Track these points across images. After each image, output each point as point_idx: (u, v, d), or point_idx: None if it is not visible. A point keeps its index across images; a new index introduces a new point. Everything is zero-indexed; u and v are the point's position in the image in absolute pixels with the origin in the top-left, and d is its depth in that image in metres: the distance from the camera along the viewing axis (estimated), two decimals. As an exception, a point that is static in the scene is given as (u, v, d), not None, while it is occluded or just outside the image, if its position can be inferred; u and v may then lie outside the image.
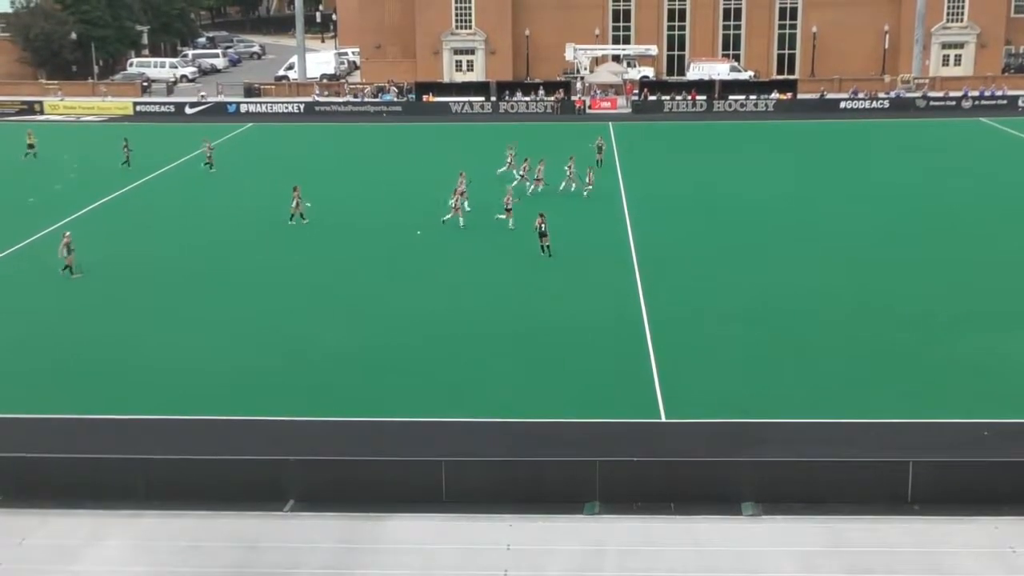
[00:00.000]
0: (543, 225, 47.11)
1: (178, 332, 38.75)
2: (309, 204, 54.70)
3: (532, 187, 58.97)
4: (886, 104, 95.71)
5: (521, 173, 61.16)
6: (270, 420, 31.21)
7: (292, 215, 53.77)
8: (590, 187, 59.44)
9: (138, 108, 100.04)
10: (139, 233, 53.15)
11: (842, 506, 25.58)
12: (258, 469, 27.15)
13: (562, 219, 52.31)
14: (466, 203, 53.02)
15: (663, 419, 31.14)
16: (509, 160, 64.60)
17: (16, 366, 35.90)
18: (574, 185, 59.61)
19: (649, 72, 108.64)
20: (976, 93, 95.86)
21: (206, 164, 69.32)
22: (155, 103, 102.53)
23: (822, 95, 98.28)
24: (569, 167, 60.13)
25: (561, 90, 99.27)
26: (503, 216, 51.12)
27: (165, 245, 50.65)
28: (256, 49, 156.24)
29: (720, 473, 26.85)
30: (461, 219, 52.05)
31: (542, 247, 47.20)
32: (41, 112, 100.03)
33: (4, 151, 77.92)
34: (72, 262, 45.11)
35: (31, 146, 74.04)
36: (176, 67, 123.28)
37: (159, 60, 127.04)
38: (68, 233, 46.18)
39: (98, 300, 42.77)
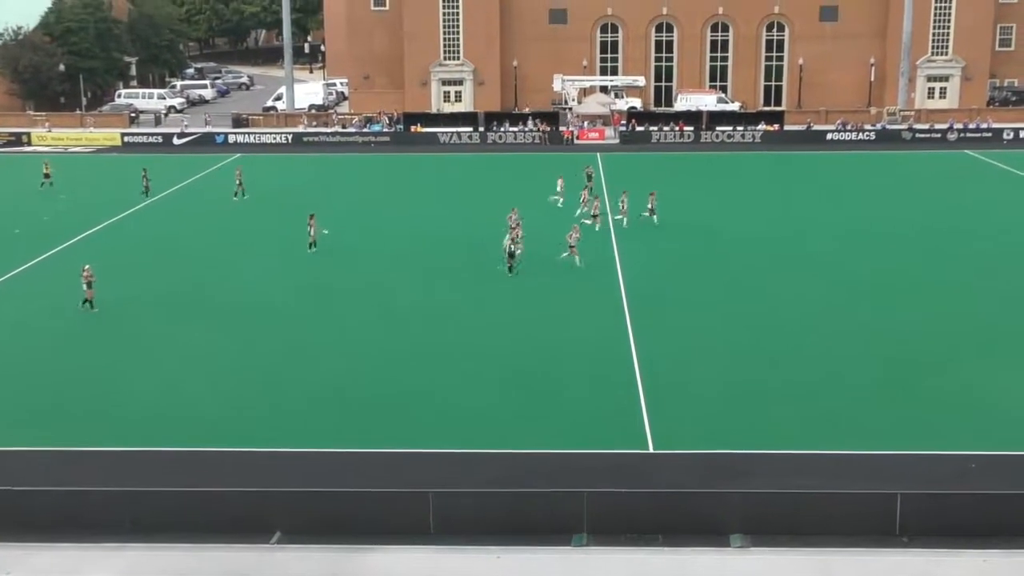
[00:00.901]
0: (512, 245, 49.42)
1: (163, 364, 38.60)
2: (326, 231, 54.80)
3: (591, 222, 57.53)
4: (872, 136, 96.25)
5: (581, 203, 61.21)
6: (256, 452, 31.07)
7: (311, 243, 53.93)
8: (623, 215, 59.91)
9: (126, 139, 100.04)
10: (125, 264, 52.98)
11: (831, 538, 25.51)
12: (244, 501, 26.98)
13: (551, 250, 52.37)
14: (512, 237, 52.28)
15: (651, 450, 31.08)
16: (559, 189, 65.85)
17: None
18: (625, 220, 58.96)
19: (637, 103, 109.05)
20: (961, 126, 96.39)
21: (237, 192, 69.41)
22: (143, 133, 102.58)
23: (809, 126, 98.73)
24: (623, 201, 60.01)
25: (539, 120, 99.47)
26: (567, 254, 50.10)
27: (151, 276, 50.46)
28: (244, 80, 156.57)
29: (708, 505, 26.77)
30: (519, 252, 51.24)
31: (509, 267, 49.14)
32: (29, 143, 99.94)
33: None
34: (92, 296, 44.36)
35: (47, 175, 74.49)
36: (164, 98, 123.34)
37: (147, 91, 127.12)
38: (88, 267, 45.18)
39: (81, 332, 42.61)
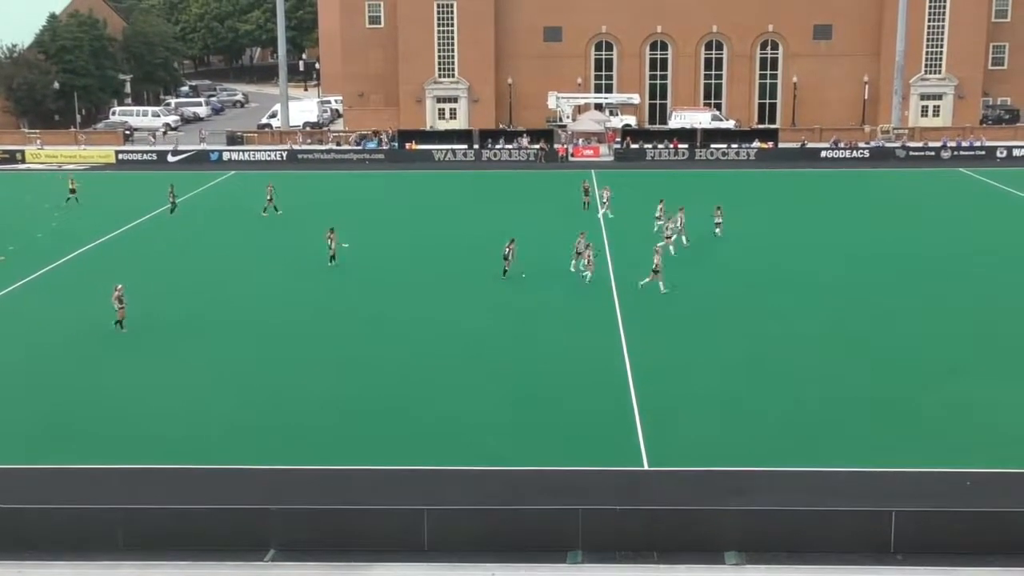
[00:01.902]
0: (508, 250, 51.19)
1: (157, 380, 38.53)
2: (346, 245, 55.36)
3: (664, 244, 54.72)
4: (866, 153, 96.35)
5: (656, 216, 60.68)
6: (251, 468, 31.02)
7: (332, 256, 54.69)
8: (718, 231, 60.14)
9: (120, 156, 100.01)
10: (117, 281, 52.89)
11: (826, 555, 25.54)
12: (239, 518, 26.91)
13: (546, 267, 52.45)
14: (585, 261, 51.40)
15: (646, 467, 31.07)
16: (606, 200, 66.79)
17: (-5, 415, 35.64)
18: (684, 238, 57.94)
19: (631, 120, 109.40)
20: (954, 144, 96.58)
21: (271, 207, 69.82)
22: (137, 151, 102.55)
23: (803, 144, 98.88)
24: (679, 219, 58.90)
25: (526, 137, 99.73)
26: (648, 280, 48.67)
27: (141, 292, 50.32)
28: (239, 97, 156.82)
29: (703, 522, 26.74)
30: (589, 274, 50.72)
31: (504, 270, 51.04)
32: (23, 161, 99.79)
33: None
34: (123, 316, 43.79)
35: (72, 191, 74.96)
36: (159, 115, 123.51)
37: (142, 109, 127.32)
38: (120, 286, 44.50)
39: (74, 348, 42.50)
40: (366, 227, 65.91)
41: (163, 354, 41.58)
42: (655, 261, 48.84)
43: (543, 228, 60.26)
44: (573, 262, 51.94)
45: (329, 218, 67.13)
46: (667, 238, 55.44)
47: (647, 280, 48.90)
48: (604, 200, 67.63)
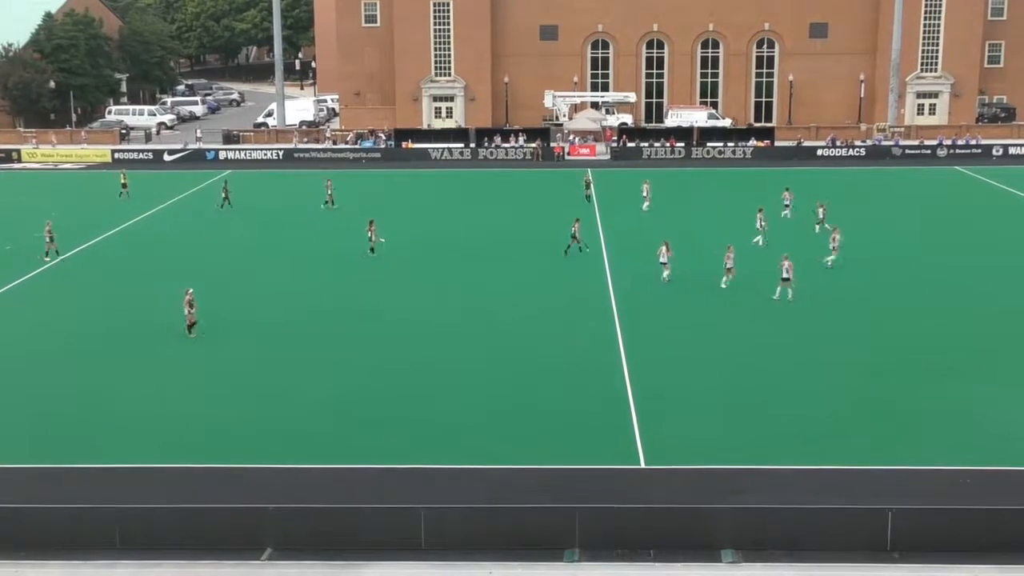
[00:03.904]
0: (575, 228, 55.09)
1: (153, 380, 38.49)
2: (383, 240, 56.46)
3: (831, 257, 53.44)
4: (862, 152, 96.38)
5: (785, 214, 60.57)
6: (247, 468, 30.98)
7: (371, 248, 56.33)
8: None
9: (116, 155, 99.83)
10: (113, 281, 52.90)
11: (822, 554, 25.54)
12: (235, 518, 26.91)
13: (544, 267, 52.45)
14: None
15: (643, 466, 31.07)
16: (645, 194, 68.64)
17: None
18: (762, 240, 57.69)
19: (628, 119, 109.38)
20: (950, 142, 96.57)
21: (326, 203, 70.95)
22: (134, 150, 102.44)
23: (799, 143, 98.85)
24: (836, 237, 57.07)
25: (523, 136, 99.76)
26: (791, 292, 47.08)
27: (140, 293, 50.33)
28: (235, 96, 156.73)
29: (700, 520, 26.76)
30: (666, 273, 50.21)
31: (577, 247, 54.86)
32: (19, 160, 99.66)
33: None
34: (194, 319, 43.22)
35: (124, 186, 76.14)
36: (155, 114, 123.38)
37: (138, 108, 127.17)
38: (191, 290, 43.87)
39: (71, 347, 42.42)
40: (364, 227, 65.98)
41: (161, 354, 41.52)
42: (788, 268, 47.50)
43: (545, 226, 60.26)
44: (724, 279, 50.16)
45: (328, 218, 67.32)
46: (833, 249, 53.60)
47: (791, 292, 47.42)
48: (644, 194, 68.88)
